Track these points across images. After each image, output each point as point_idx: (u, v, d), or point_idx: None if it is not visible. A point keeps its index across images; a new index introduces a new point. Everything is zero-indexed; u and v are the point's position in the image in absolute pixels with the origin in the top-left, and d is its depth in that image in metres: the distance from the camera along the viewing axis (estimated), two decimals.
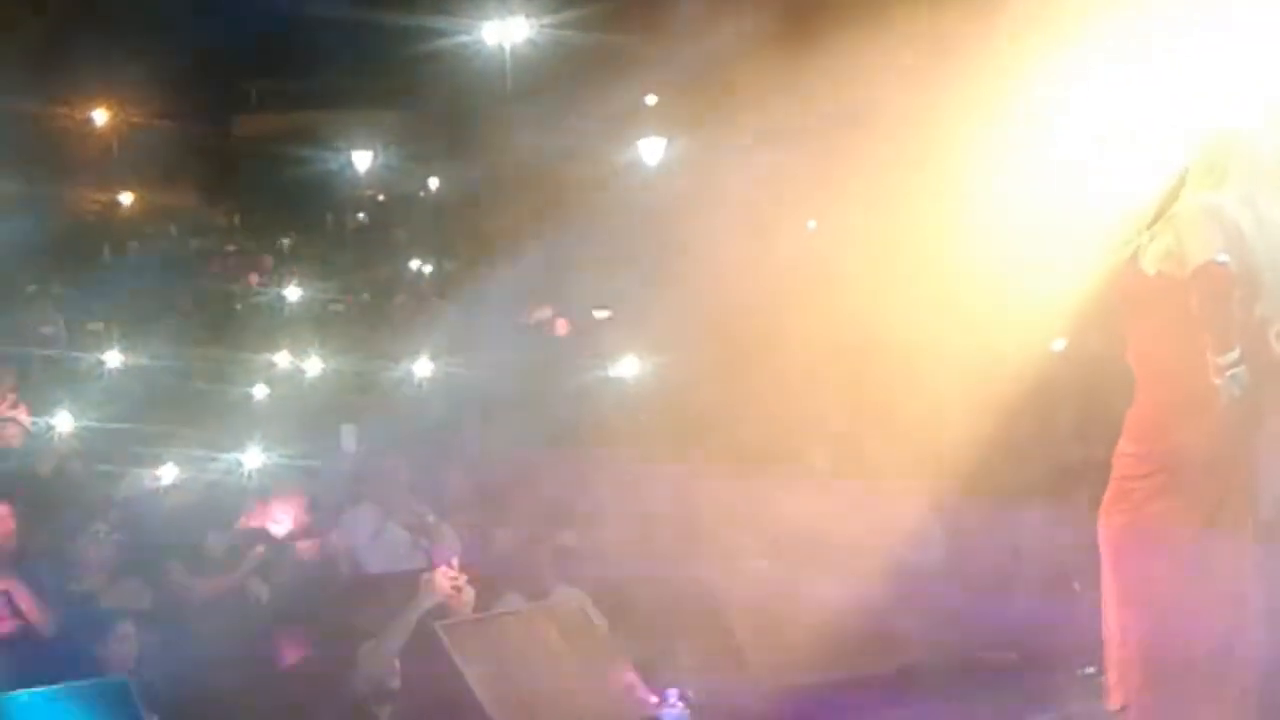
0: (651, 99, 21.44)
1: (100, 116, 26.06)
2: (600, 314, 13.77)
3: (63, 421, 10.02)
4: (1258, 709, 4.73)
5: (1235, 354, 4.65)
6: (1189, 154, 4.94)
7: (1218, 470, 4.80)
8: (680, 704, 6.17)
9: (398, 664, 6.30)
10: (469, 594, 6.54)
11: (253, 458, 8.46)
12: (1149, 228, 4.93)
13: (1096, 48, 5.06)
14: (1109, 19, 5.05)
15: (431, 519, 8.10)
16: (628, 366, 10.63)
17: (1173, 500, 4.85)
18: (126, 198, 25.41)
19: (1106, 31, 5.04)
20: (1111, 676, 4.99)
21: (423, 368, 11.82)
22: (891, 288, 8.42)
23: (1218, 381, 4.66)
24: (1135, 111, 5.01)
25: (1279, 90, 4.90)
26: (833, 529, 7.77)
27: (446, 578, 6.49)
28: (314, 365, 12.45)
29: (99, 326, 15.67)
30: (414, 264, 20.05)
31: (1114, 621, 4.96)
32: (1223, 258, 4.71)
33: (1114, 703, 4.98)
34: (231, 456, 8.43)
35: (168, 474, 8.28)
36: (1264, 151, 4.89)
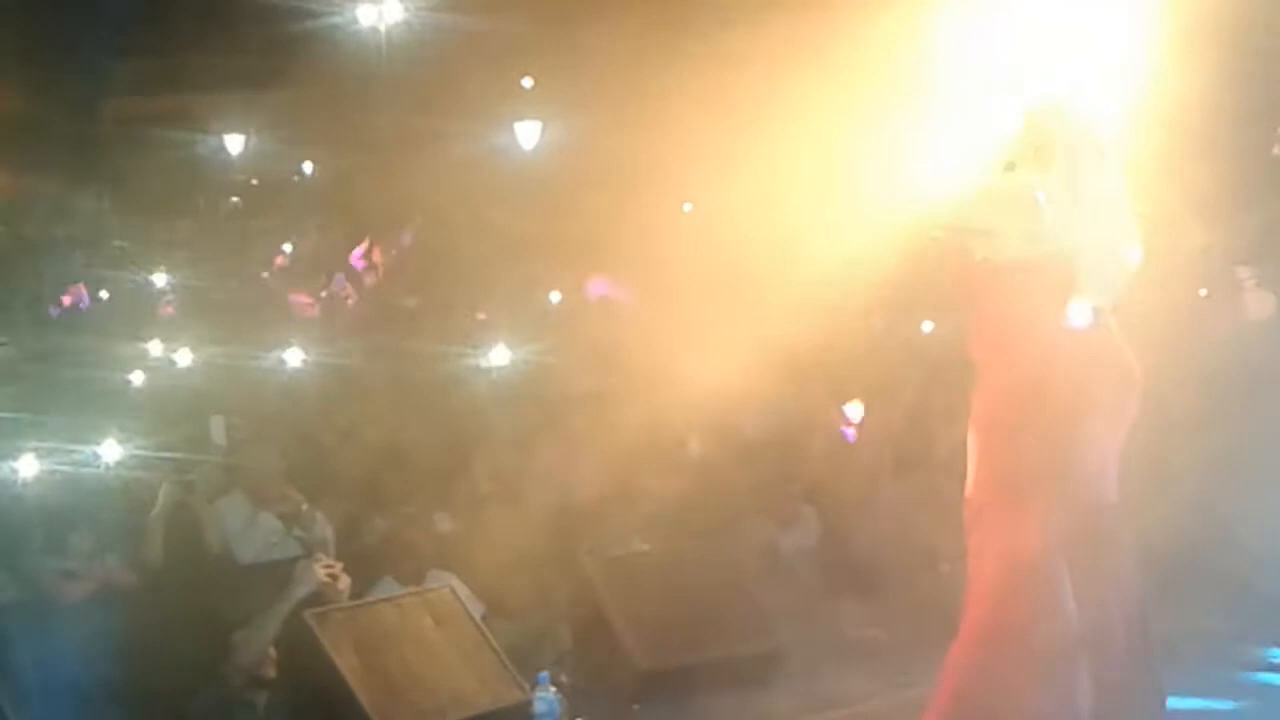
0: (528, 82, 21.40)
1: None
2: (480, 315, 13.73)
3: None
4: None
5: None
6: (1015, 134, 5.04)
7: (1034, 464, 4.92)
8: (553, 689, 6.21)
9: (273, 652, 6.27)
10: (345, 582, 6.52)
11: (112, 451, 8.29)
12: (975, 212, 5.03)
13: (934, 35, 5.15)
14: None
15: (305, 506, 8.03)
16: (499, 355, 10.62)
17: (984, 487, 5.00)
18: None
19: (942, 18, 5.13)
20: None
21: (295, 355, 11.69)
22: (769, 271, 8.51)
23: None
24: (967, 89, 5.11)
25: (1096, 66, 5.02)
26: (707, 511, 7.85)
27: (322, 566, 6.47)
28: (185, 354, 12.26)
29: None
30: (287, 248, 19.81)
31: None
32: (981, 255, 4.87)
33: None
34: (89, 450, 8.25)
35: (27, 466, 8.09)
36: (1082, 129, 5.00)
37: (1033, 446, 4.87)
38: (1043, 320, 4.91)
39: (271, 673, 6.29)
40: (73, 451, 8.30)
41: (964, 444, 5.23)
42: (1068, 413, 4.86)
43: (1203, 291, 8.99)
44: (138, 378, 11.43)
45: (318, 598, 6.37)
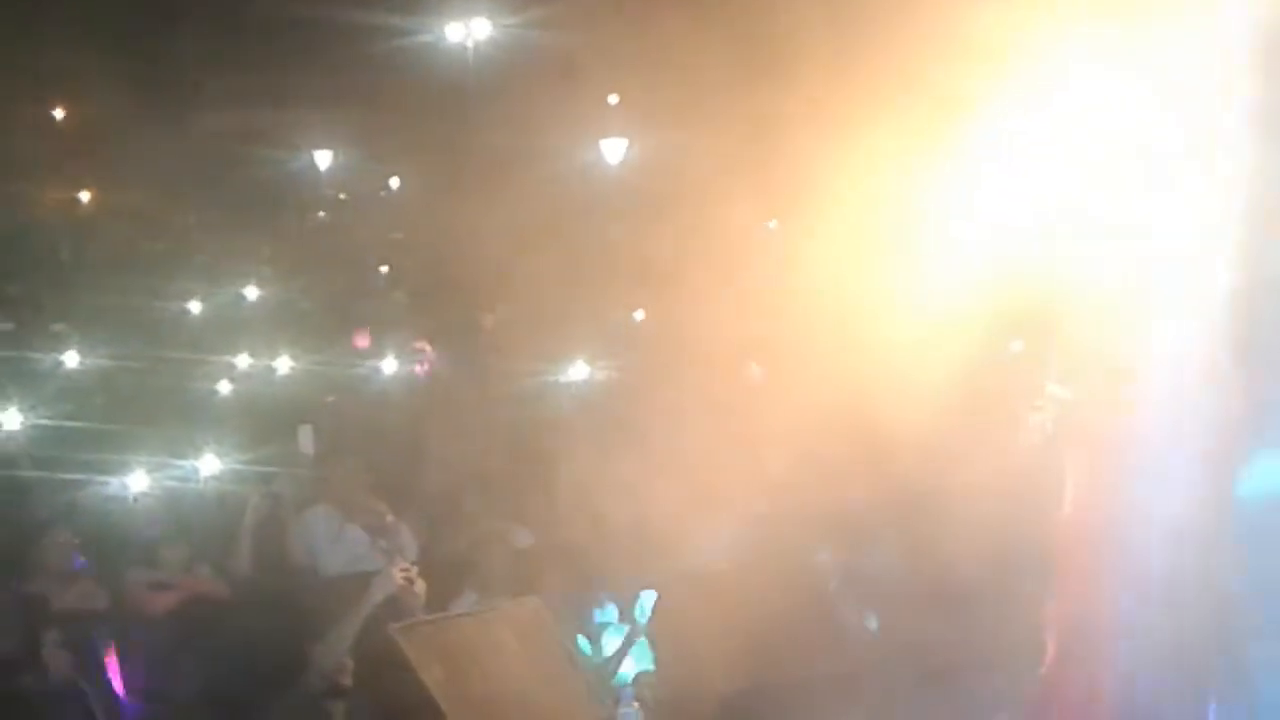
0: (614, 99, 21.46)
1: (58, 114, 25.94)
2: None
3: (19, 421, 9.98)
4: None
5: None
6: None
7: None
8: (635, 705, 6.22)
9: (349, 661, 6.31)
10: (421, 586, 6.58)
11: (209, 464, 8.43)
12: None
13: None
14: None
15: (390, 519, 8.10)
16: (580, 371, 10.66)
17: None
18: (85, 196, 25.27)
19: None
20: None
21: (388, 366, 11.82)
22: (855, 289, 8.46)
23: None
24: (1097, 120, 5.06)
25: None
26: (787, 530, 7.82)
27: (399, 570, 6.53)
28: (276, 365, 12.42)
29: (60, 327, 15.58)
30: (375, 263, 20.05)
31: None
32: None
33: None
34: (188, 464, 8.39)
35: (137, 482, 8.24)
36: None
37: (1133, 467, 4.84)
38: (1143, 343, 4.87)
39: (348, 681, 6.33)
40: (167, 464, 8.45)
41: (1051, 464, 5.19)
42: (1169, 434, 4.82)
43: None
44: (228, 388, 11.60)
45: (395, 602, 6.42)
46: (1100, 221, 5.00)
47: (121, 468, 8.54)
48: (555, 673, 6.34)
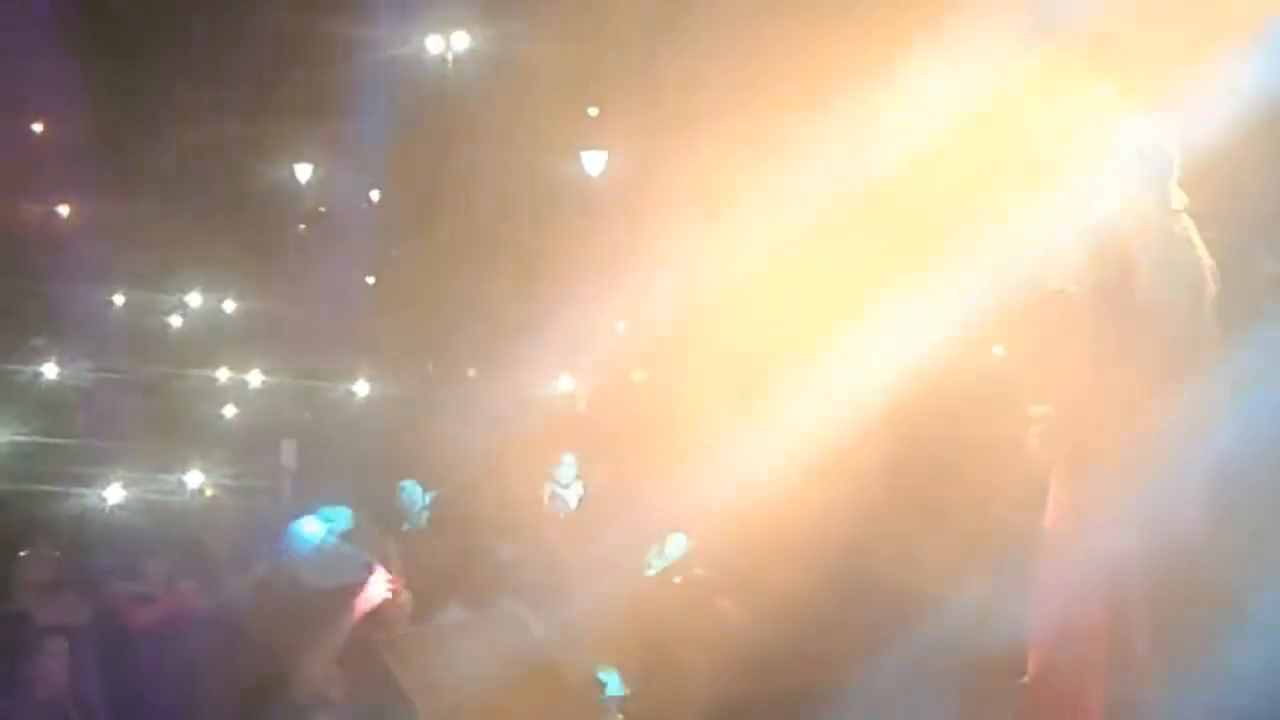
0: (594, 111, 21.44)
1: (37, 127, 25.80)
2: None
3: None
4: None
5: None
6: (1100, 156, 4.97)
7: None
8: (619, 716, 6.21)
9: (337, 671, 6.30)
10: (406, 597, 6.57)
11: (191, 478, 8.44)
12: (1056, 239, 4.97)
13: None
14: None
15: (374, 531, 8.07)
16: (563, 382, 10.68)
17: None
18: (64, 209, 25.15)
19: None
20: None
21: (364, 383, 11.79)
22: (829, 300, 8.48)
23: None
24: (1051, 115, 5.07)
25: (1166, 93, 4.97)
26: (772, 537, 7.81)
27: (383, 581, 6.53)
28: (256, 380, 12.40)
29: (41, 341, 15.51)
30: (358, 276, 19.99)
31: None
32: (1073, 288, 4.79)
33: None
34: (174, 477, 8.40)
35: (114, 494, 8.23)
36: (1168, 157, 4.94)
37: (1114, 476, 4.83)
38: (1126, 349, 4.85)
39: (336, 692, 6.32)
40: (147, 477, 8.44)
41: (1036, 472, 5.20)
42: (1152, 443, 4.81)
43: None
44: (209, 402, 11.58)
45: (380, 614, 6.41)
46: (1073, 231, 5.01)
47: (102, 481, 8.51)
48: (539, 682, 6.34)
